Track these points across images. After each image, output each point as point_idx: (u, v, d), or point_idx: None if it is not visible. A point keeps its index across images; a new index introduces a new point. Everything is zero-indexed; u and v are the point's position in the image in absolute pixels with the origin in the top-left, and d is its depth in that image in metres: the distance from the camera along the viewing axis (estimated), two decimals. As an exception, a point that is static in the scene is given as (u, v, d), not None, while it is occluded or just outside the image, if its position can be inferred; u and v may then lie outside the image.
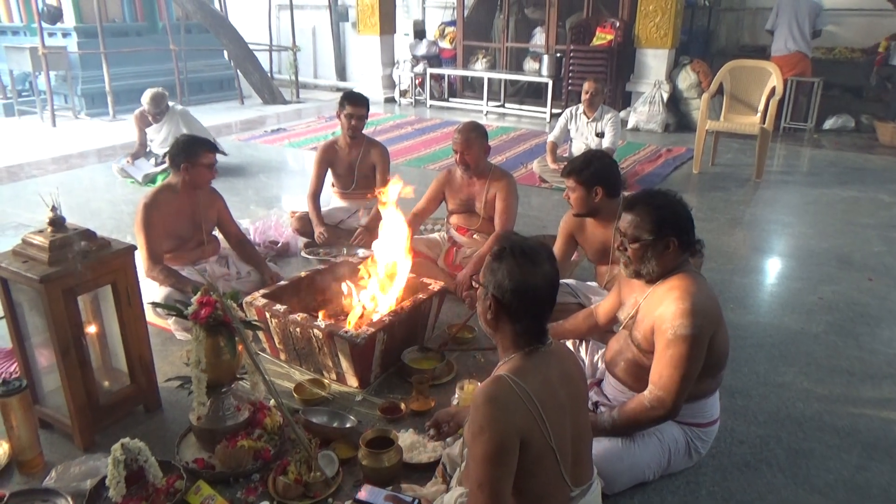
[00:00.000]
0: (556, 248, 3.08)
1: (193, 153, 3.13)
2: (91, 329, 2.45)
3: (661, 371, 1.98)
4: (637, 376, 2.16)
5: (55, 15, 8.41)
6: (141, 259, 3.05)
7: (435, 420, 2.11)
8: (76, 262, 2.14)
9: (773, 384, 2.78)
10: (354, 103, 4.00)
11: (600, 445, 2.05)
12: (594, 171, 2.78)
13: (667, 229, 2.03)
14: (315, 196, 4.13)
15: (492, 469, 1.48)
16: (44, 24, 8.07)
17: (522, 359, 1.62)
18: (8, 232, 4.48)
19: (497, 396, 1.53)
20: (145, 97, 5.55)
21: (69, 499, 1.99)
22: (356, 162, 4.13)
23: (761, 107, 5.94)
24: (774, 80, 5.80)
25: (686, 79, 7.84)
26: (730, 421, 2.49)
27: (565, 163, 5.44)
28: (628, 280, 2.27)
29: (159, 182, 5.27)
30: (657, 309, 2.03)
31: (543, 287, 1.62)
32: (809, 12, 7.31)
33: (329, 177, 4.26)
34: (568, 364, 1.73)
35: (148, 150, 5.84)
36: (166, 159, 5.59)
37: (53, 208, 2.23)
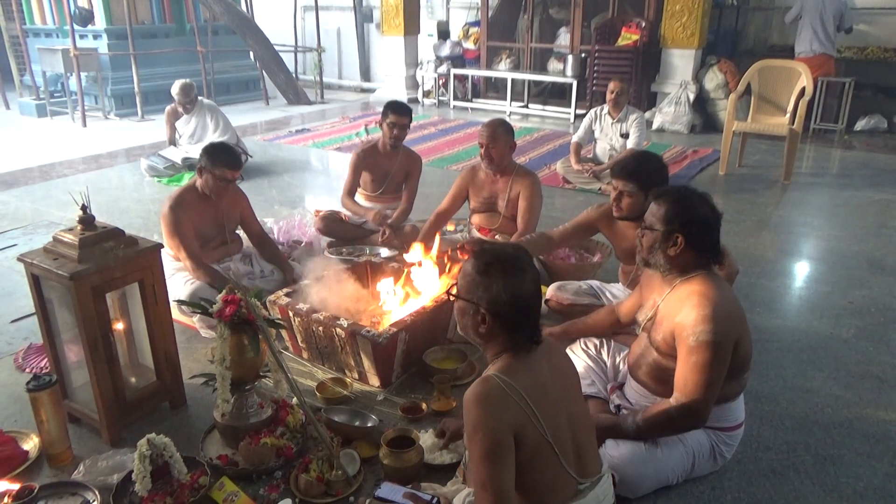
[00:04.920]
0: (564, 229, 3.04)
1: (213, 161, 3.14)
2: (119, 326, 2.49)
3: (686, 378, 1.95)
4: (659, 379, 2.13)
5: (86, 17, 8.57)
6: (183, 262, 3.11)
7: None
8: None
9: (801, 389, 2.73)
10: (398, 113, 4.02)
11: (624, 450, 2.04)
12: (653, 175, 2.68)
13: (675, 224, 2.02)
14: (351, 195, 4.20)
15: (491, 466, 1.51)
16: (75, 27, 8.24)
17: (511, 358, 1.64)
18: (40, 230, 4.58)
19: (486, 396, 1.55)
20: (175, 88, 5.71)
21: (97, 492, 2.03)
22: (392, 169, 4.16)
23: (790, 107, 5.84)
24: (804, 80, 5.69)
25: (713, 79, 7.73)
26: (756, 426, 2.45)
27: (588, 164, 5.50)
28: (649, 281, 2.25)
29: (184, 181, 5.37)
30: (677, 315, 2.00)
31: (534, 291, 1.64)
32: (834, 12, 7.16)
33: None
34: (556, 357, 1.74)
35: (178, 145, 5.96)
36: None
37: (83, 207, 2.27)
